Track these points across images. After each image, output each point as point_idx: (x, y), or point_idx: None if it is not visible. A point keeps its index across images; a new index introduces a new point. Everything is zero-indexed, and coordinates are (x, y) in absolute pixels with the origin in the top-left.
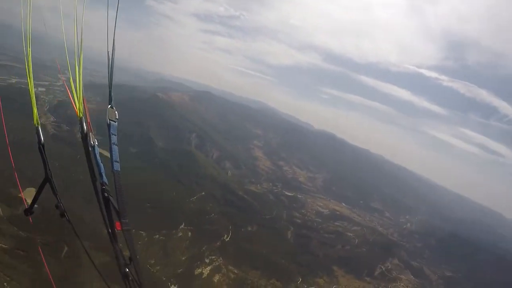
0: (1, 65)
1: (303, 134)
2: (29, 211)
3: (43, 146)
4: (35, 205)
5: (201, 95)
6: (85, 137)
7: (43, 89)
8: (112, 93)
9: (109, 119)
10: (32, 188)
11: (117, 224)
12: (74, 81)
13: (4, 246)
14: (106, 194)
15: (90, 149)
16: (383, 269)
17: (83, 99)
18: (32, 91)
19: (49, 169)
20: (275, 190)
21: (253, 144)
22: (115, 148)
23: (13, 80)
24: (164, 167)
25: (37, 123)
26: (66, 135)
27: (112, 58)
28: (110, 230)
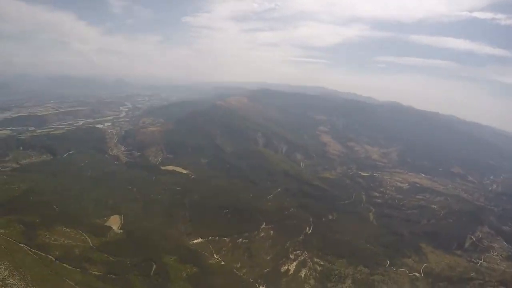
0: (67, 112)
1: (368, 110)
2: None
3: None
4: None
5: (258, 94)
6: None
7: (109, 124)
8: None
9: None
10: (116, 216)
11: None
12: None
13: (96, 273)
14: None
15: None
16: (473, 239)
17: None
18: None
19: None
20: (350, 173)
21: (319, 131)
22: None
23: (80, 122)
24: (236, 171)
25: None
26: (139, 160)
27: None
28: None
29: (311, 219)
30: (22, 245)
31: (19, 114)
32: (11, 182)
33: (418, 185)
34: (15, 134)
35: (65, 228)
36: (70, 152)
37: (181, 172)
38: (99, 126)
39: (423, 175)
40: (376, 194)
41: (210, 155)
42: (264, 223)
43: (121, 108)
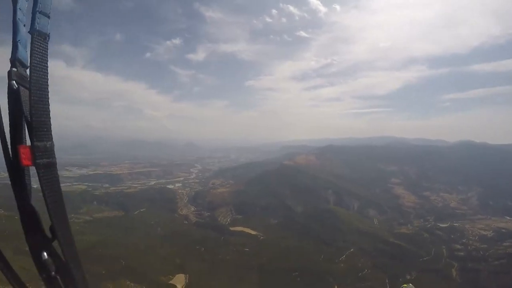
0: (140, 172)
1: (440, 154)
2: None
3: None
4: None
5: (325, 150)
6: None
7: (180, 184)
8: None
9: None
10: (182, 274)
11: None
12: None
13: None
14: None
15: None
16: None
17: None
18: None
19: None
20: (428, 226)
21: (391, 183)
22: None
23: (152, 182)
24: (306, 231)
25: None
26: (208, 221)
27: None
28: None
29: (387, 280)
30: None
31: (95, 172)
32: (83, 233)
33: (504, 231)
34: (90, 189)
35: (129, 282)
36: (142, 210)
37: (250, 233)
38: (170, 186)
39: (508, 218)
40: (458, 246)
41: (279, 215)
42: (336, 287)
43: (191, 169)
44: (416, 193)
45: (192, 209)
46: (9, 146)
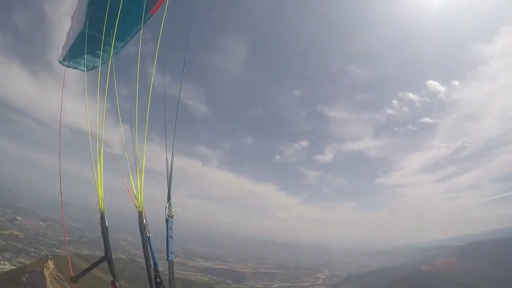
0: (264, 273)
1: None
2: (75, 280)
3: (106, 229)
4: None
5: (468, 249)
6: (143, 228)
7: None
8: (170, 193)
9: (167, 215)
10: None
11: None
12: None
13: None
14: (158, 280)
15: (146, 239)
16: None
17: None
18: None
19: (110, 249)
20: None
21: None
22: (171, 240)
23: (276, 285)
24: None
25: (103, 210)
26: None
27: (171, 165)
28: None
29: None
30: None
31: (220, 266)
32: None
33: None
34: (212, 282)
35: None
36: None
37: None
38: None
39: None
40: None
41: None
42: None
43: (318, 275)
44: None
45: None
46: None
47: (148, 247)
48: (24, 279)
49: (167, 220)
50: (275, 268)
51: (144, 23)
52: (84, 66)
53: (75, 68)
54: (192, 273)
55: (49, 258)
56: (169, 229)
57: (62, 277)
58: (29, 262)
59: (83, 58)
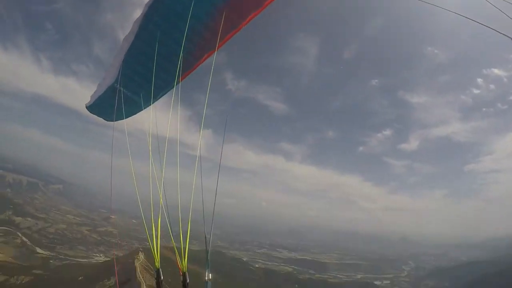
0: (348, 264)
1: None
2: None
3: (161, 281)
4: None
5: None
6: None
7: (388, 282)
8: (209, 261)
9: (207, 279)
10: None
11: None
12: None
13: None
14: None
15: None
16: None
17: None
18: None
19: None
20: None
21: None
22: None
23: (359, 276)
24: None
25: (158, 267)
26: None
27: (210, 239)
28: None
29: None
30: None
31: (303, 257)
32: None
33: None
34: (295, 272)
35: None
36: None
37: None
38: (377, 283)
39: None
40: None
41: None
42: None
43: (403, 267)
44: None
45: None
46: None
47: None
48: (117, 269)
49: (206, 283)
50: (359, 259)
51: (171, 88)
52: (110, 117)
53: (99, 116)
54: (276, 264)
55: (140, 250)
56: None
57: (151, 267)
58: (121, 255)
59: (109, 110)
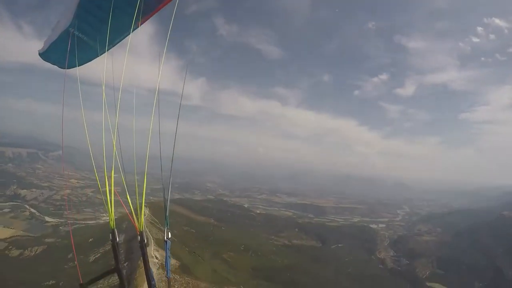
0: (345, 208)
1: None
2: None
3: (117, 244)
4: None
5: None
6: (144, 246)
7: (383, 225)
8: (167, 218)
9: (166, 238)
10: None
11: None
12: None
13: None
14: None
15: (147, 257)
16: None
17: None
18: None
19: (119, 262)
20: None
21: None
22: (169, 260)
23: (355, 219)
24: None
25: (113, 227)
26: (404, 270)
27: (169, 188)
28: None
29: None
30: None
31: (302, 202)
32: (277, 255)
33: None
34: (295, 217)
35: None
36: (339, 245)
37: None
38: (373, 226)
39: None
40: None
41: (486, 277)
42: None
43: (398, 211)
44: None
45: (391, 253)
46: None
47: (165, 249)
48: (124, 226)
49: (165, 242)
50: (356, 203)
51: (130, 32)
52: (63, 64)
53: (53, 64)
54: (276, 209)
55: (145, 205)
56: (167, 250)
57: (157, 220)
58: (127, 212)
59: (63, 56)
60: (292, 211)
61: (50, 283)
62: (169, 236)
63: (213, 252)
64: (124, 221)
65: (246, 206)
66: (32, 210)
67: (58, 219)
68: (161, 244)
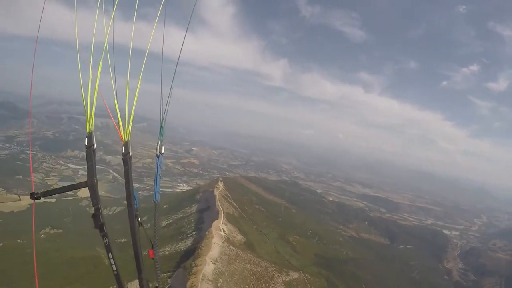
0: (420, 207)
1: None
2: (36, 196)
3: (94, 151)
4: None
5: None
6: (129, 160)
7: (457, 233)
8: (163, 129)
9: (159, 152)
10: None
11: (150, 252)
12: (116, 110)
13: None
14: (139, 220)
15: (130, 173)
16: None
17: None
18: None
19: (95, 175)
20: None
21: None
22: (159, 178)
23: (429, 221)
24: None
25: (90, 130)
26: (471, 286)
27: (169, 96)
28: (138, 259)
29: None
30: None
31: (376, 194)
32: (343, 246)
33: None
34: (367, 209)
35: None
36: (407, 246)
37: None
38: (446, 232)
39: None
40: None
41: None
42: None
43: (475, 219)
44: None
45: (460, 265)
46: None
47: (156, 165)
48: (198, 197)
49: (157, 157)
50: (432, 204)
51: None
52: None
53: None
54: (348, 198)
55: (220, 180)
56: (158, 167)
57: (230, 195)
58: (203, 184)
59: None
60: (365, 202)
61: (122, 240)
62: (162, 151)
63: (279, 233)
64: (198, 192)
65: (319, 191)
66: (115, 174)
67: (137, 185)
68: (232, 219)
